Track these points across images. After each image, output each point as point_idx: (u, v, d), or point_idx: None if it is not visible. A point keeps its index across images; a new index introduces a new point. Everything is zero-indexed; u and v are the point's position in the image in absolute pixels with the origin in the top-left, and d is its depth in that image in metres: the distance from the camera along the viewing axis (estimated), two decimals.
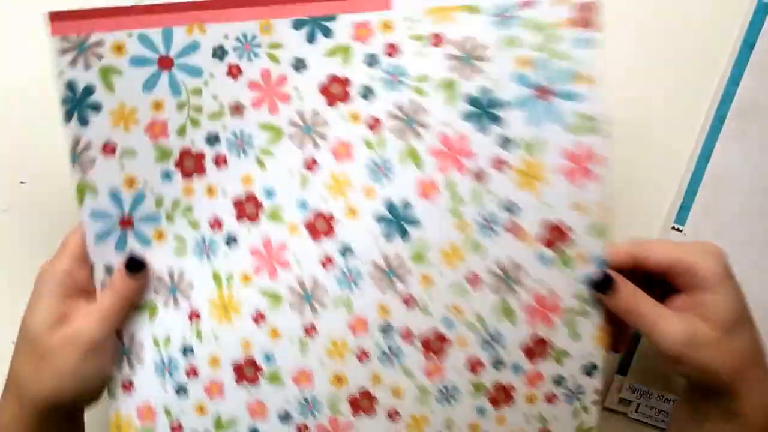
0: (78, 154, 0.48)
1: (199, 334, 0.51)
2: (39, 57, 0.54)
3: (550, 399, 0.52)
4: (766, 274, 0.60)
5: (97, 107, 0.48)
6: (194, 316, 0.51)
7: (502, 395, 0.51)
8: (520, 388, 0.51)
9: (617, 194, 0.60)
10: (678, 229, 0.61)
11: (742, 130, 0.59)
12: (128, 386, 0.50)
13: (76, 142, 0.48)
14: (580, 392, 0.51)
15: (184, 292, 0.51)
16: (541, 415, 0.52)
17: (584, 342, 0.50)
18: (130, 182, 0.49)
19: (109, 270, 0.49)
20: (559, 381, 0.51)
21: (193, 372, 0.51)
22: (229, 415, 0.51)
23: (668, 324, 0.47)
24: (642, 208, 0.61)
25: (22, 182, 0.60)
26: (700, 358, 0.46)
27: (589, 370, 0.51)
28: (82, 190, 0.48)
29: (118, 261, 0.49)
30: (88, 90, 0.47)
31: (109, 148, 0.48)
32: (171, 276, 0.50)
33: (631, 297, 0.48)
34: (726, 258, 0.48)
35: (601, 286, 0.48)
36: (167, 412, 0.51)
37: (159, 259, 0.50)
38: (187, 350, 0.51)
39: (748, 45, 0.58)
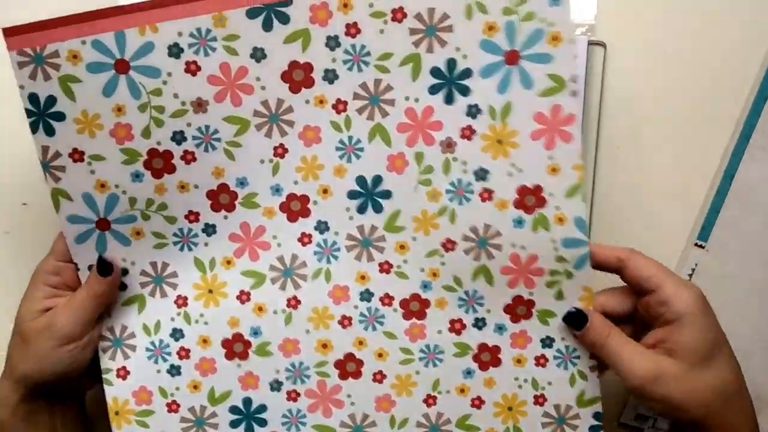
0: (47, 163, 0.48)
1: (187, 318, 0.52)
2: None
3: (540, 361, 0.52)
4: None
5: (60, 117, 0.47)
6: (181, 302, 0.52)
7: (488, 356, 0.53)
8: (506, 349, 0.52)
9: (642, 210, 0.61)
10: (701, 246, 0.61)
11: (765, 148, 0.58)
12: (123, 374, 0.53)
13: (44, 152, 0.48)
14: (575, 356, 0.52)
15: (169, 281, 0.52)
16: (534, 379, 0.53)
17: (569, 302, 0.51)
18: (102, 186, 0.49)
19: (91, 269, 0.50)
20: (547, 342, 0.52)
21: (184, 353, 0.53)
22: (223, 389, 0.54)
23: (635, 361, 0.47)
24: (666, 224, 0.61)
25: (24, 204, 0.60)
26: (665, 393, 0.47)
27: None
28: (56, 197, 0.49)
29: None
30: (50, 101, 0.47)
31: (77, 155, 0.48)
32: (155, 269, 0.52)
33: (602, 332, 0.49)
34: (702, 295, 0.48)
35: (575, 322, 0.49)
36: (162, 392, 0.53)
37: (141, 255, 0.51)
38: (176, 334, 0.53)
39: None
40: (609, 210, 0.61)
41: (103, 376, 0.53)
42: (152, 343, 0.53)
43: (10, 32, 0.45)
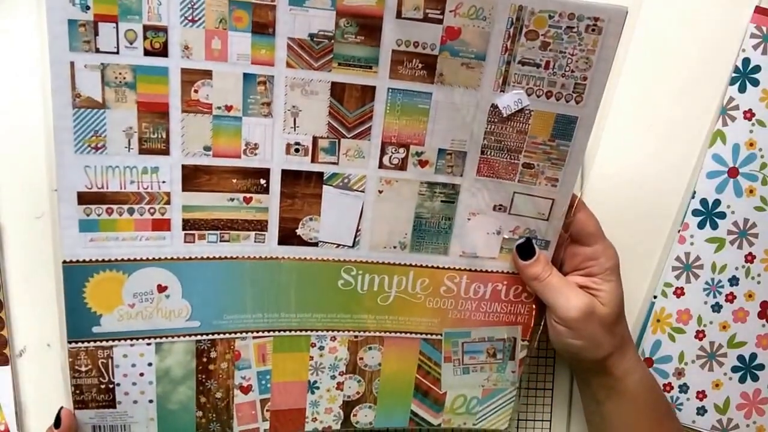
0: None
1: None
2: None
3: None
4: None
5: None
6: None
7: None
8: None
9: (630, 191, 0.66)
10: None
11: None
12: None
13: None
14: None
15: None
16: None
17: None
18: None
19: None
20: None
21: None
22: None
23: (572, 297, 0.54)
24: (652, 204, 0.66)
25: (55, 190, 0.59)
26: (593, 329, 0.54)
27: None
28: None
29: None
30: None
31: None
32: None
33: (546, 267, 0.55)
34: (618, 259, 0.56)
35: (524, 252, 0.55)
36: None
37: None
38: None
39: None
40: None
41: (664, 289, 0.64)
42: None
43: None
